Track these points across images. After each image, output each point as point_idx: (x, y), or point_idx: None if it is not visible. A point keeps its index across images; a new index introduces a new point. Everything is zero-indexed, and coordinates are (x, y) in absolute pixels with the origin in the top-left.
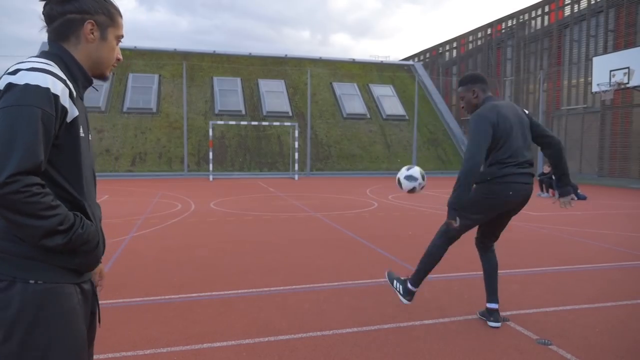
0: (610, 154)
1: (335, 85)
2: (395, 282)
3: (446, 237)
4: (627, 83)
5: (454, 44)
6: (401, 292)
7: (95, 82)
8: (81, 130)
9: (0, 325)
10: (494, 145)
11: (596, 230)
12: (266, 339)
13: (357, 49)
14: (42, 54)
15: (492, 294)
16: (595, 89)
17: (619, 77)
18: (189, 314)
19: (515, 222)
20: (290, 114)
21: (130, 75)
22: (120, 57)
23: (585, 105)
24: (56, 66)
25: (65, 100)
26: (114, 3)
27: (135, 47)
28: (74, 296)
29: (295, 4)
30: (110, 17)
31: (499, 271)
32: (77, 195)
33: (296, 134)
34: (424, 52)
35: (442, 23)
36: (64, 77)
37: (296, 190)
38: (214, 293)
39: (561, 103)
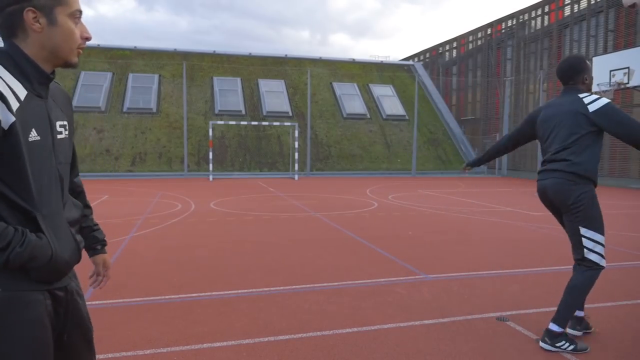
0: (610, 154)
1: (335, 85)
2: (562, 344)
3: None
4: (627, 83)
5: (454, 44)
6: (573, 347)
7: (65, 70)
8: (32, 134)
9: None
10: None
11: None
12: (266, 339)
13: (357, 49)
14: None
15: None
16: (595, 88)
17: (619, 77)
18: (189, 314)
19: (514, 221)
20: (290, 114)
21: (130, 75)
22: (88, 34)
23: None
24: None
25: None
26: None
27: (135, 47)
28: (40, 304)
29: (294, 4)
30: None
31: (499, 271)
32: (25, 205)
33: (296, 134)
34: (423, 52)
35: (442, 23)
36: None
37: (296, 190)
38: (214, 293)
39: None
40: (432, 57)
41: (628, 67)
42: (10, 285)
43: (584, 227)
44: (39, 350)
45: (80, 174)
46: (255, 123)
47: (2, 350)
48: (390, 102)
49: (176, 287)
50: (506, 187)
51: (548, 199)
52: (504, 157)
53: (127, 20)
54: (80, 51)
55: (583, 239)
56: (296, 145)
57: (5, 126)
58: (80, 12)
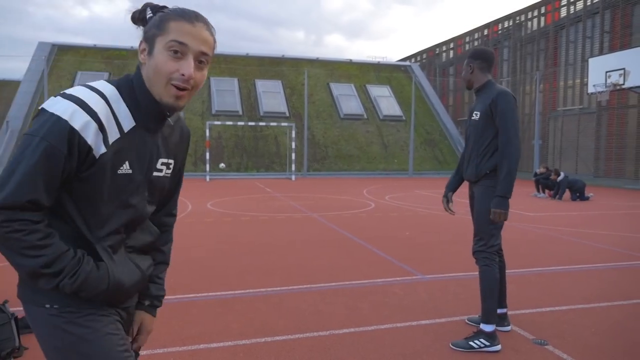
0: (605, 155)
1: (332, 85)
2: (471, 342)
3: (495, 247)
4: (623, 84)
5: (451, 45)
6: (486, 342)
7: (61, 70)
8: (124, 167)
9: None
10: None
11: (592, 230)
12: (263, 340)
13: (353, 50)
14: (121, 79)
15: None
16: (591, 90)
17: (615, 78)
18: (186, 314)
19: (511, 222)
20: (287, 114)
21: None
22: (185, 71)
23: (581, 106)
24: (103, 94)
25: (89, 135)
26: (180, 7)
27: (132, 47)
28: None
29: (288, 5)
30: (158, 26)
31: None
32: (87, 234)
33: (293, 135)
34: (420, 53)
35: (436, 24)
36: (97, 108)
37: (293, 191)
38: (210, 294)
39: (557, 104)
40: (429, 57)
41: (624, 68)
42: (61, 302)
43: None
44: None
45: None
46: (252, 123)
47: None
48: (387, 102)
49: (172, 287)
50: None
51: None
52: None
53: (122, 20)
54: (180, 92)
55: None
56: (293, 146)
57: (96, 155)
58: (182, 43)
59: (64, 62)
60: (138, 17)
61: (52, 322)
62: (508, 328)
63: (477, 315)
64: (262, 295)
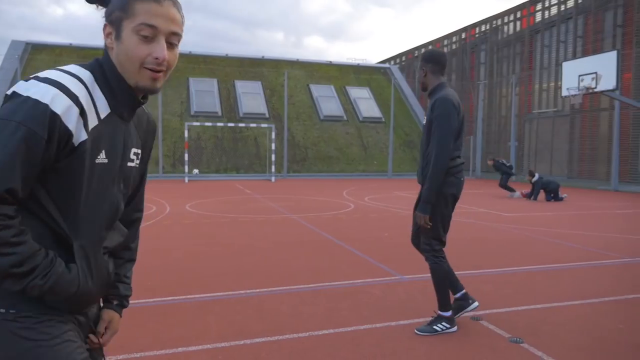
0: (579, 156)
1: (312, 87)
2: (435, 326)
3: (439, 246)
4: (595, 88)
5: (429, 48)
6: (447, 325)
7: (35, 69)
8: (101, 156)
9: None
10: (457, 135)
11: (566, 230)
12: (242, 342)
13: (332, 51)
14: (91, 63)
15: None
16: (565, 93)
17: (587, 81)
18: (164, 317)
19: (487, 222)
20: (267, 115)
21: None
22: (159, 54)
23: (555, 109)
24: (81, 78)
25: (71, 121)
26: None
27: None
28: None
29: (268, 6)
30: (123, 8)
31: (472, 271)
32: (66, 229)
33: (273, 136)
34: (400, 55)
35: (415, 27)
36: (78, 93)
37: (273, 192)
38: (189, 296)
39: (533, 107)
40: (408, 60)
41: (596, 72)
42: (18, 307)
43: None
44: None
45: None
46: (232, 125)
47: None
48: (366, 104)
49: (150, 290)
50: (480, 189)
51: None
52: (477, 160)
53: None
54: (155, 74)
55: None
56: (273, 147)
57: (75, 143)
58: (151, 26)
59: (38, 61)
60: None
61: (7, 328)
62: (476, 304)
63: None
64: (242, 298)
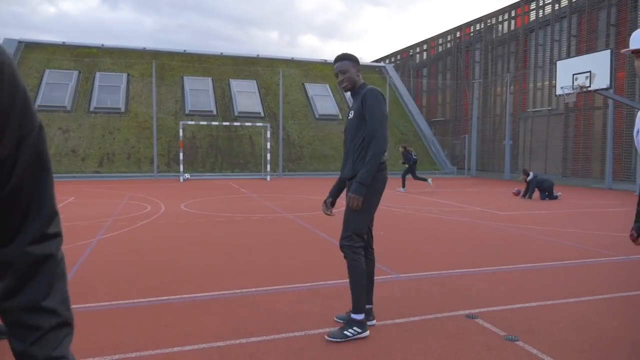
0: (573, 155)
1: (308, 86)
2: (346, 332)
3: (360, 242)
4: (589, 86)
5: (424, 47)
6: (358, 330)
7: (29, 68)
8: None
9: None
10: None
11: (560, 228)
12: (238, 341)
13: (327, 50)
14: None
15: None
16: (559, 92)
17: (581, 80)
18: (159, 317)
19: (482, 221)
20: (262, 114)
21: (97, 74)
22: None
23: (549, 108)
24: None
25: None
26: None
27: (102, 44)
28: None
29: (262, 5)
30: None
31: (468, 269)
32: None
33: (268, 135)
34: (395, 54)
35: (410, 26)
36: None
37: (268, 191)
38: (184, 296)
39: (527, 105)
40: (403, 59)
41: (590, 71)
42: None
43: None
44: None
45: None
46: (227, 123)
47: None
48: None
49: (145, 290)
50: (475, 187)
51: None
52: (473, 159)
53: (91, 18)
54: None
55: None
56: (268, 146)
57: None
58: None
59: (30, 59)
60: None
61: None
62: (373, 322)
63: (344, 314)
64: (237, 297)
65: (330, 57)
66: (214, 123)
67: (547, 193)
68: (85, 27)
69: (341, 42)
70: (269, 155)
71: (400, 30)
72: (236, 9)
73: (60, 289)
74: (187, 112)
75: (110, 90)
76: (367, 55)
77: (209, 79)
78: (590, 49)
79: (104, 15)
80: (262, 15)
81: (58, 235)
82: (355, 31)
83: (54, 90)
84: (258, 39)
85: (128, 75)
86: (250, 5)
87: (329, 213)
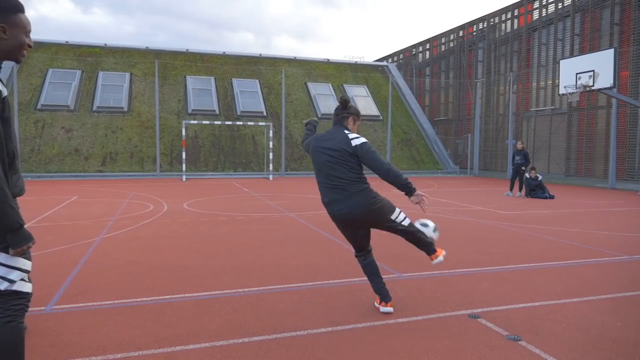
0: (576, 154)
1: (310, 85)
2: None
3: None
4: (592, 85)
5: (427, 46)
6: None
7: (32, 67)
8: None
9: None
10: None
11: (563, 228)
12: (240, 341)
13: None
14: None
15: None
16: (562, 91)
17: (585, 79)
18: (161, 316)
19: (485, 220)
20: (265, 113)
21: (100, 74)
22: None
23: (553, 107)
24: None
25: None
26: None
27: (105, 44)
28: None
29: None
30: None
31: (470, 269)
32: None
33: (271, 134)
34: (397, 53)
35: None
36: None
37: (270, 191)
38: (186, 295)
39: (530, 104)
40: (406, 58)
41: (593, 70)
42: None
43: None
44: None
45: (48, 173)
46: (229, 123)
47: None
48: (364, 102)
49: (148, 289)
50: (477, 187)
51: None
52: (475, 158)
53: (69, 21)
54: None
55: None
56: (271, 145)
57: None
58: None
59: (34, 59)
60: None
61: None
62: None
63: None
64: (240, 296)
65: (333, 56)
66: (216, 122)
67: (542, 191)
68: (64, 30)
69: (316, 43)
70: (271, 155)
71: (403, 30)
72: (205, 11)
73: None
74: (189, 111)
75: (113, 89)
76: (369, 54)
77: (212, 78)
78: (594, 48)
79: (78, 18)
80: (232, 18)
81: None
82: (329, 32)
83: (57, 89)
84: (232, 41)
85: (131, 74)
86: (219, 8)
87: None
